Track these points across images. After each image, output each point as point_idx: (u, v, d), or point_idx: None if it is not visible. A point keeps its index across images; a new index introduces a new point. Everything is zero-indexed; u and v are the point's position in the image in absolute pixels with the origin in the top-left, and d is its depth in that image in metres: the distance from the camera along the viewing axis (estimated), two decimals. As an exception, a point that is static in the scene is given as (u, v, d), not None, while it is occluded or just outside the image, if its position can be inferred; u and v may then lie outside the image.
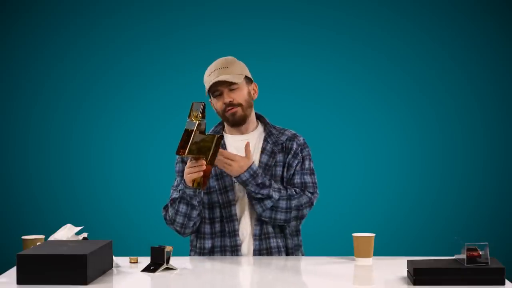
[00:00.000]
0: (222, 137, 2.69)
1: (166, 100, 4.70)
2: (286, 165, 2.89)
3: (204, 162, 2.64)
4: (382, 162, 4.70)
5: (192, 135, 2.56)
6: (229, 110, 2.83)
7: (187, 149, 2.55)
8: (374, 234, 2.66)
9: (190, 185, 2.70)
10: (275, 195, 2.80)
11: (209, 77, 2.84)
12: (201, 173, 2.65)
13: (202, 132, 2.61)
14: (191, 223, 2.82)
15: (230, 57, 2.88)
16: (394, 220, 4.64)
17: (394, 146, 4.69)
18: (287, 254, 2.90)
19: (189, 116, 2.60)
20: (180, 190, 2.79)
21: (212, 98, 2.88)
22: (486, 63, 4.67)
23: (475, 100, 4.68)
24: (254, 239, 2.84)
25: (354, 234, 2.66)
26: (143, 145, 4.72)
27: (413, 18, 4.67)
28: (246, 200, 2.86)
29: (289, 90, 4.61)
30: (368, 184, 4.69)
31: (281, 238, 2.89)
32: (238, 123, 2.87)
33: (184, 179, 2.73)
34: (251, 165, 2.77)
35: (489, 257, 2.26)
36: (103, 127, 4.73)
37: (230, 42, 4.61)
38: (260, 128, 2.95)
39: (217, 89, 2.83)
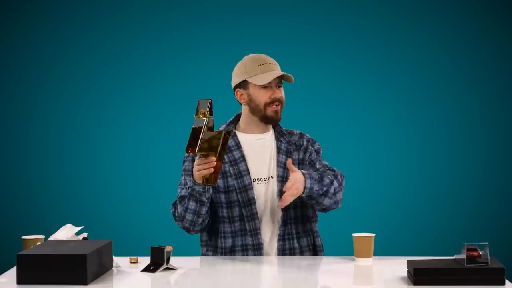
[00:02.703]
0: (229, 132, 2.70)
1: (166, 100, 4.70)
2: (301, 161, 2.92)
3: (214, 158, 2.64)
4: (382, 162, 4.70)
5: (202, 133, 2.56)
6: (275, 106, 2.87)
7: (197, 147, 2.55)
8: (374, 234, 2.66)
9: (200, 181, 2.70)
10: (330, 179, 2.84)
11: (262, 68, 2.86)
12: (212, 170, 2.65)
13: (211, 129, 2.61)
14: (200, 220, 2.82)
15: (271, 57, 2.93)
16: (394, 220, 4.64)
17: (394, 146, 4.69)
18: (315, 253, 2.92)
19: (196, 114, 2.60)
20: (189, 187, 2.79)
21: (253, 89, 2.88)
22: (486, 63, 4.67)
23: (475, 100, 4.68)
24: (278, 239, 2.85)
25: (354, 234, 2.66)
26: (143, 145, 4.72)
27: (413, 18, 4.67)
28: (266, 198, 2.86)
29: (288, 90, 4.60)
30: (368, 184, 4.69)
31: (307, 237, 2.90)
32: (275, 121, 2.91)
33: (193, 176, 2.73)
34: (300, 172, 2.77)
35: (489, 257, 2.26)
36: (103, 127, 4.73)
37: (230, 42, 4.61)
38: (271, 129, 2.97)
39: (269, 81, 2.85)
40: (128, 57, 4.72)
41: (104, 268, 2.44)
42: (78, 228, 2.63)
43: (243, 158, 2.88)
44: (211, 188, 2.79)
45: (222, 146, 2.66)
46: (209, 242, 2.92)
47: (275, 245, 2.86)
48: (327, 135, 4.59)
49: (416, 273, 2.25)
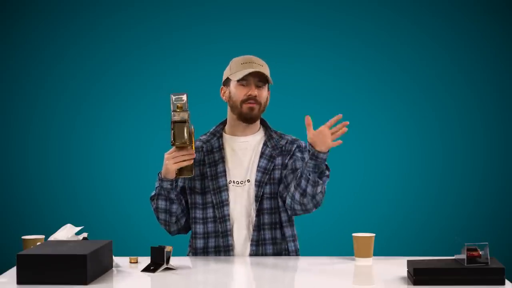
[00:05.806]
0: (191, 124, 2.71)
1: (166, 100, 4.68)
2: (283, 165, 2.89)
3: (193, 150, 2.70)
4: (382, 162, 4.70)
5: (186, 125, 2.59)
6: (250, 103, 2.85)
7: (186, 138, 2.59)
8: (374, 234, 2.66)
9: (174, 174, 2.73)
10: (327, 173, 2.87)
11: (244, 65, 2.86)
12: (192, 161, 2.70)
13: (188, 122, 2.65)
14: (173, 219, 2.84)
15: (262, 60, 2.92)
16: (394, 220, 4.64)
17: (394, 146, 4.69)
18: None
19: (174, 109, 2.62)
20: (156, 187, 2.81)
21: (233, 86, 2.88)
22: (486, 63, 4.67)
23: (475, 100, 4.68)
24: (251, 244, 2.83)
25: (354, 234, 2.66)
26: (143, 145, 4.72)
27: (413, 18, 4.67)
28: (241, 202, 2.85)
29: (289, 90, 4.61)
30: (368, 184, 4.69)
31: (282, 243, 2.87)
32: (250, 120, 2.88)
33: (160, 174, 2.77)
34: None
35: (489, 257, 2.26)
36: (103, 127, 4.73)
37: (230, 42, 4.61)
38: (262, 132, 2.95)
39: (247, 79, 2.84)
40: (128, 57, 4.72)
41: (104, 268, 2.44)
42: (78, 228, 2.63)
43: (222, 159, 2.88)
44: (178, 186, 2.82)
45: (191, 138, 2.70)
46: (190, 243, 2.94)
47: (247, 249, 2.84)
48: (327, 135, 4.60)
49: (416, 273, 2.25)
